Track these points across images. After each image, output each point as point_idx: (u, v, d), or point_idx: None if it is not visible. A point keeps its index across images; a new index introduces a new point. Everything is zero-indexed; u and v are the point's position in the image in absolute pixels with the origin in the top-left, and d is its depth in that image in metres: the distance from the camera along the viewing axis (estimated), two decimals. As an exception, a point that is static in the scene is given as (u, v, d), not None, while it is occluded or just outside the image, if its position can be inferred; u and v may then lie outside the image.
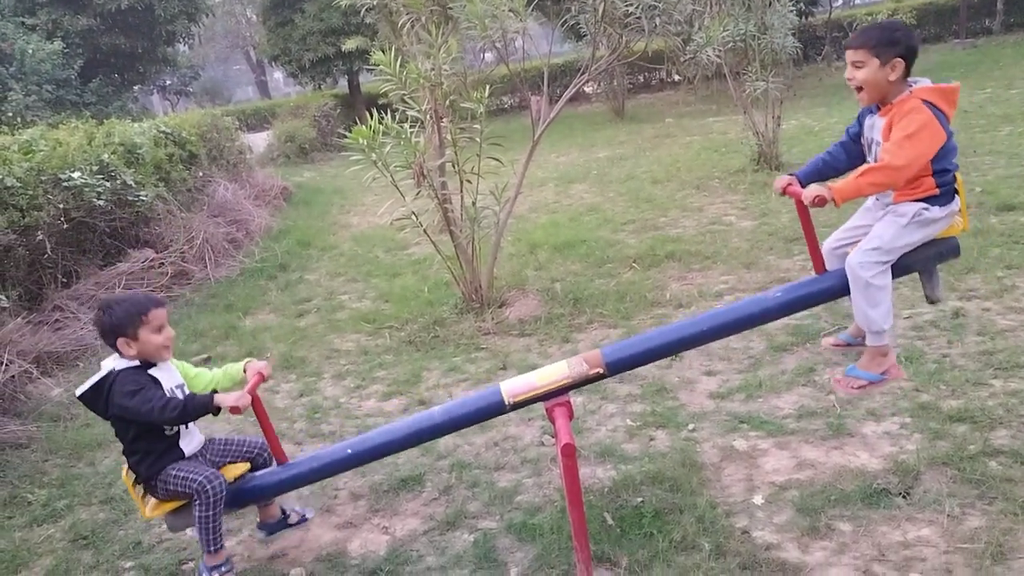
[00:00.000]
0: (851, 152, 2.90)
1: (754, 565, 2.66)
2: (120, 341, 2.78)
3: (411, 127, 5.08)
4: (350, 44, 15.30)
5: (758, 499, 3.05)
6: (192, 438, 2.95)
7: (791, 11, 9.02)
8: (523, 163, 5.87)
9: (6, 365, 4.91)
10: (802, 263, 5.78)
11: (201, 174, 9.89)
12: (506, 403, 2.83)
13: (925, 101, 2.57)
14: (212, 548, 2.81)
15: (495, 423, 3.99)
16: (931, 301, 2.90)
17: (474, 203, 5.41)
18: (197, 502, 2.77)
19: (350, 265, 7.79)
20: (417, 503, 3.37)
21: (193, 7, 22.35)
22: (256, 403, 2.88)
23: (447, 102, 5.34)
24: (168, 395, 2.78)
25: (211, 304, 6.91)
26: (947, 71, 16.21)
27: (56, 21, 19.06)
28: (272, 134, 19.18)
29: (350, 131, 4.91)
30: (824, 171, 2.92)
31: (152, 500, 2.91)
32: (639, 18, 5.18)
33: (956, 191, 2.72)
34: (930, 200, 2.66)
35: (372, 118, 4.83)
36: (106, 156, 7.10)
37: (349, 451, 2.94)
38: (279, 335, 5.84)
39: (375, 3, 5.64)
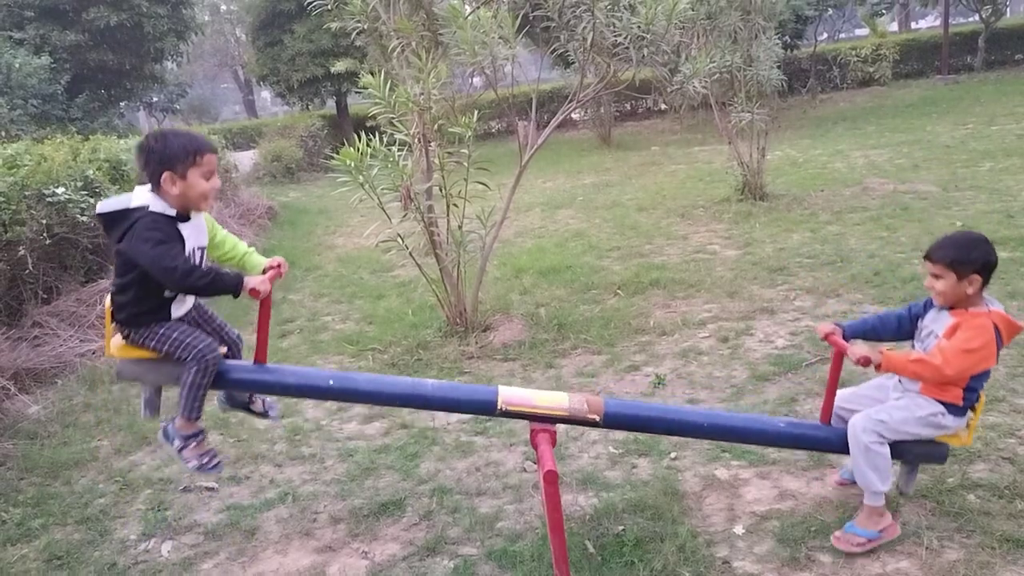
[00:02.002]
0: (903, 328, 3.00)
1: (734, 596, 2.65)
2: (166, 176, 2.61)
3: (399, 150, 5.10)
4: (339, 66, 15.31)
5: (739, 529, 3.05)
6: (184, 305, 2.87)
7: (776, 44, 9.16)
8: (510, 188, 5.90)
9: (-17, 381, 4.85)
10: (784, 293, 5.83)
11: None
12: (498, 407, 2.83)
13: (996, 325, 2.70)
14: (193, 415, 2.78)
15: (477, 448, 3.98)
16: (900, 492, 3.01)
17: (460, 227, 5.42)
18: (195, 369, 2.71)
19: (334, 286, 7.77)
20: (397, 528, 3.34)
21: (183, 25, 22.37)
22: (268, 295, 2.82)
23: (435, 126, 5.37)
24: (187, 256, 2.68)
25: (193, 323, 6.85)
26: (929, 106, 16.50)
27: (44, 36, 19.02)
28: (258, 153, 19.19)
29: (337, 152, 4.92)
30: (870, 334, 3.02)
31: (120, 340, 2.83)
32: (627, 48, 5.25)
33: (974, 408, 2.84)
34: (950, 407, 2.78)
35: (360, 140, 4.85)
36: (91, 172, 7.07)
37: (331, 382, 2.91)
38: (261, 355, 5.79)
39: (366, 27, 5.67)
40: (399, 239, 5.28)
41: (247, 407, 3.17)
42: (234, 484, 3.89)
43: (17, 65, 16.51)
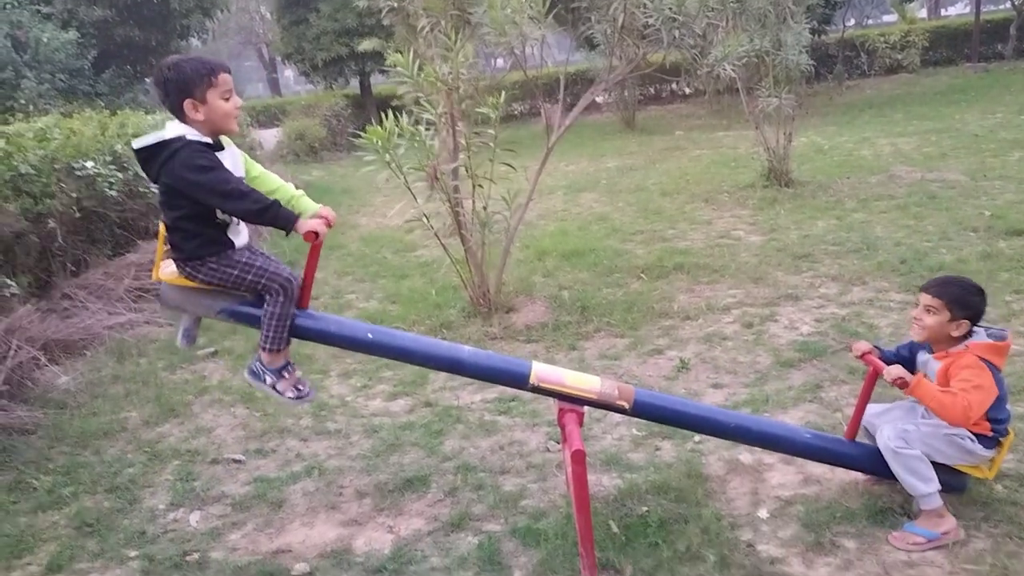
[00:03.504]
0: (910, 362, 3.02)
1: (758, 578, 2.67)
2: (187, 103, 2.59)
3: (426, 130, 5.10)
4: (365, 45, 15.35)
5: (763, 513, 3.06)
6: (242, 233, 2.81)
7: (805, 29, 9.05)
8: (536, 170, 5.89)
9: (14, 351, 4.92)
10: (810, 280, 5.79)
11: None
12: (530, 382, 2.83)
13: (981, 358, 2.73)
14: (282, 345, 2.76)
15: (501, 427, 4.00)
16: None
17: (485, 208, 5.42)
18: (279, 298, 2.70)
19: (358, 265, 7.81)
20: (422, 503, 3.37)
21: (209, 2, 22.36)
22: (316, 244, 2.79)
23: (463, 106, 5.36)
24: None
25: (218, 298, 6.91)
26: (958, 94, 16.27)
27: (71, 11, 19.09)
28: (282, 131, 19.22)
29: (361, 131, 4.93)
30: (899, 360, 3.02)
31: (171, 268, 2.79)
32: (658, 30, 5.20)
33: (1001, 443, 2.83)
34: (979, 437, 2.78)
35: (387, 119, 4.85)
36: (119, 147, 7.13)
37: (370, 336, 2.89)
38: (286, 332, 5.85)
39: (396, 4, 5.66)
40: (424, 219, 5.30)
41: (299, 387, 2.94)
42: (261, 457, 3.94)
43: (45, 39, 16.60)
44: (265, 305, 2.77)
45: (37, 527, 3.47)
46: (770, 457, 3.44)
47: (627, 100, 19.22)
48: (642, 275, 6.32)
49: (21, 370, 4.92)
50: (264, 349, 2.80)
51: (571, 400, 2.83)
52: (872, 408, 3.09)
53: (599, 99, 19.18)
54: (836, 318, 4.97)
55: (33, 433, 4.38)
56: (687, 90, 22.96)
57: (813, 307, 5.25)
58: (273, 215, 2.65)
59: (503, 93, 5.21)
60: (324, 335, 2.92)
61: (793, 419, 3.76)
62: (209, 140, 2.66)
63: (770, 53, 8.70)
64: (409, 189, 5.17)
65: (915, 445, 2.78)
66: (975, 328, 2.83)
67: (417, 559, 2.98)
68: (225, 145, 2.75)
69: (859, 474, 3.20)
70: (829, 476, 3.24)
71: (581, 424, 2.80)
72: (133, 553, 3.21)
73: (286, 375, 2.83)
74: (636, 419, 3.88)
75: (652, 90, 23.74)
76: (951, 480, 2.84)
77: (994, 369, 2.74)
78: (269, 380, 2.82)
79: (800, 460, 3.38)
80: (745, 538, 2.90)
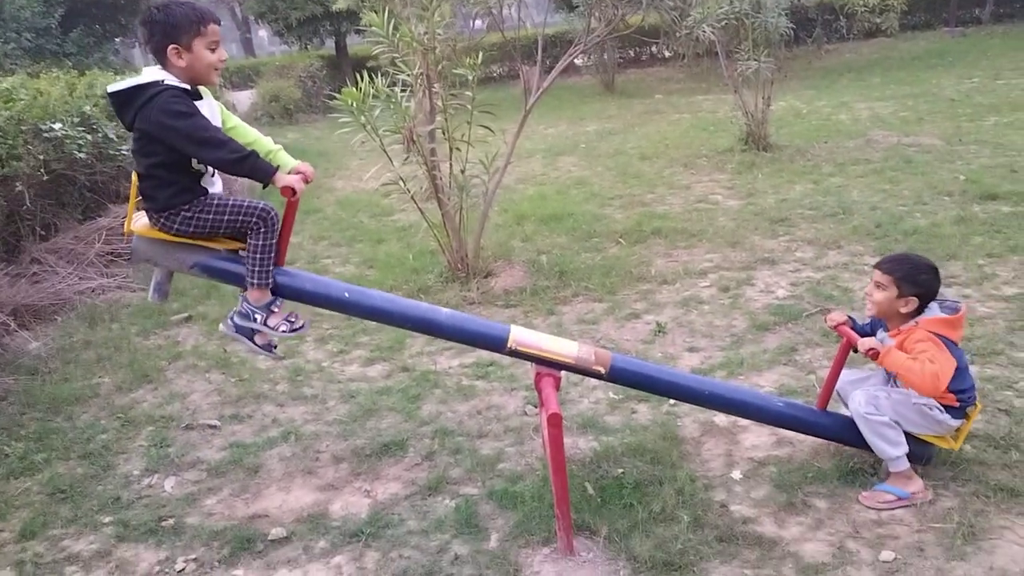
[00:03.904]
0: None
1: (731, 538, 2.70)
2: (171, 49, 2.53)
3: (401, 91, 5.03)
4: (339, 4, 14.97)
5: (736, 474, 3.09)
6: (216, 183, 2.76)
7: (785, -9, 8.97)
8: (514, 133, 5.84)
9: (-17, 316, 4.85)
10: (786, 244, 5.82)
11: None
12: (508, 345, 2.83)
13: (935, 333, 2.73)
14: (268, 280, 2.72)
15: (478, 391, 4.01)
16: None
17: (463, 171, 5.37)
18: (263, 229, 2.66)
19: (334, 229, 7.73)
20: (399, 468, 3.38)
21: (179, -41, 21.85)
22: (293, 201, 2.76)
23: (439, 67, 5.28)
24: None
25: (192, 263, 6.83)
26: (936, 59, 16.29)
27: (37, -32, 18.60)
28: (256, 93, 18.88)
29: (337, 93, 4.85)
30: (870, 331, 3.03)
31: (144, 220, 2.73)
32: (636, -10, 5.14)
33: (968, 414, 2.84)
34: (946, 408, 2.80)
35: (362, 81, 4.77)
36: (88, 108, 6.97)
37: (346, 295, 2.86)
38: (261, 296, 5.80)
39: (369, -37, 5.55)
40: (401, 182, 5.24)
41: (290, 319, 2.88)
42: (236, 423, 3.92)
43: (10, -3, 16.18)
44: (248, 240, 2.71)
45: (9, 494, 3.44)
46: (745, 419, 3.47)
47: (607, 63, 19.05)
48: (620, 240, 6.31)
49: (-9, 336, 4.85)
50: (252, 285, 2.74)
51: (548, 364, 2.83)
52: (847, 375, 3.12)
53: (578, 62, 18.98)
54: (811, 282, 5.00)
55: (3, 399, 4.32)
56: (667, 53, 22.74)
57: (789, 271, 5.28)
58: (251, 166, 2.59)
59: (481, 54, 5.14)
60: (300, 293, 2.87)
61: (768, 381, 3.80)
62: (187, 87, 2.60)
63: (750, 15, 8.63)
64: (385, 152, 5.11)
65: (885, 412, 2.82)
66: (930, 305, 2.84)
67: (394, 523, 2.99)
68: (203, 95, 2.69)
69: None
70: (802, 438, 3.27)
71: (558, 388, 2.80)
72: (107, 519, 3.19)
73: (275, 309, 2.77)
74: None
75: (632, 53, 23.54)
76: (917, 450, 2.87)
77: (948, 342, 2.74)
78: (260, 317, 2.76)
79: (774, 422, 3.42)
80: (719, 499, 2.94)
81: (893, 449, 2.81)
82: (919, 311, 2.83)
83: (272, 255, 2.73)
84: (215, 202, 2.67)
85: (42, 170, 6.09)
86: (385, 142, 5.06)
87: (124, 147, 7.17)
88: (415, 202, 5.36)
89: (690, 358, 4.17)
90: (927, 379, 2.64)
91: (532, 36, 10.25)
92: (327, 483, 3.31)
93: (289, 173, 2.74)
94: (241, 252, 2.82)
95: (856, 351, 2.88)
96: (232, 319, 2.87)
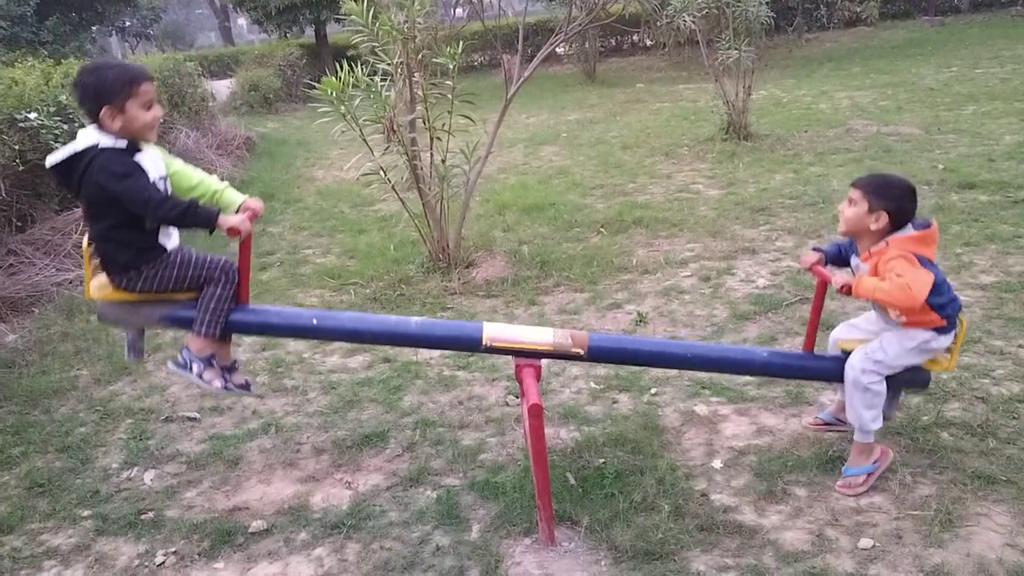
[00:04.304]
0: (846, 263, 2.98)
1: (712, 527, 2.72)
2: (105, 111, 2.52)
3: (381, 81, 4.99)
4: (319, -8, 14.92)
5: (717, 463, 3.11)
6: (172, 237, 2.76)
7: (766, -20, 8.98)
8: (495, 122, 5.82)
9: (-42, 309, 4.78)
10: (767, 233, 5.84)
11: (162, 120, 9.62)
12: (483, 343, 2.83)
13: (909, 251, 2.65)
14: (212, 331, 2.69)
15: (460, 382, 4.00)
16: (885, 418, 2.94)
17: (444, 161, 5.35)
18: (221, 280, 2.67)
19: (315, 219, 7.69)
20: (380, 459, 3.37)
21: (156, -54, 21.59)
22: (247, 236, 2.73)
23: (419, 56, 5.25)
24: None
25: (171, 254, 6.77)
26: (915, 48, 16.38)
27: (11, -47, 18.29)
28: (235, 82, 18.71)
29: (317, 82, 4.81)
30: (843, 257, 2.98)
31: (102, 280, 2.75)
32: (617, -21, 5.13)
33: (955, 334, 2.80)
34: (938, 330, 2.76)
35: (342, 70, 4.74)
36: (64, 98, 6.87)
37: (315, 321, 2.88)
38: (241, 288, 5.76)
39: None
40: (381, 172, 5.21)
41: (225, 376, 2.93)
42: (216, 415, 3.90)
43: (-18, -16, 15.91)
44: (205, 288, 2.71)
45: (-14, 488, 3.41)
46: (725, 408, 3.49)
47: (588, 52, 19.01)
48: (602, 229, 6.32)
49: (-34, 329, 4.79)
50: (197, 333, 2.72)
51: (526, 355, 2.82)
52: (838, 331, 3.08)
53: (560, 50, 18.94)
54: (792, 271, 5.03)
55: (-20, 393, 4.27)
56: (648, 42, 22.76)
57: (769, 260, 5.31)
58: (193, 217, 2.58)
59: (461, 43, 5.11)
60: (267, 327, 2.93)
61: (748, 371, 3.81)
62: (123, 144, 2.58)
63: (730, 4, 8.64)
64: (365, 142, 5.08)
65: (891, 370, 2.77)
66: (904, 227, 2.72)
67: (375, 514, 2.98)
68: (142, 146, 2.66)
69: (810, 424, 3.26)
70: (782, 427, 3.30)
71: (539, 378, 2.80)
72: (86, 513, 3.17)
73: (213, 364, 2.75)
74: (594, 372, 3.92)
75: (613, 42, 23.51)
76: (916, 377, 2.85)
77: (923, 260, 2.64)
78: (196, 368, 2.74)
79: (754, 411, 3.45)
80: (699, 488, 2.95)
81: (872, 422, 2.80)
82: (890, 230, 2.70)
83: (226, 306, 2.72)
84: (176, 259, 2.68)
85: (17, 160, 6.00)
86: (365, 132, 5.03)
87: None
88: (396, 192, 5.33)
89: (671, 347, 4.18)
90: (898, 292, 2.56)
91: (513, 24, 10.22)
92: (308, 475, 3.30)
93: (237, 211, 2.73)
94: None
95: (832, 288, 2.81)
96: (173, 360, 2.87)
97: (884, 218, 2.68)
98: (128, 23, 29.87)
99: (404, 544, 2.80)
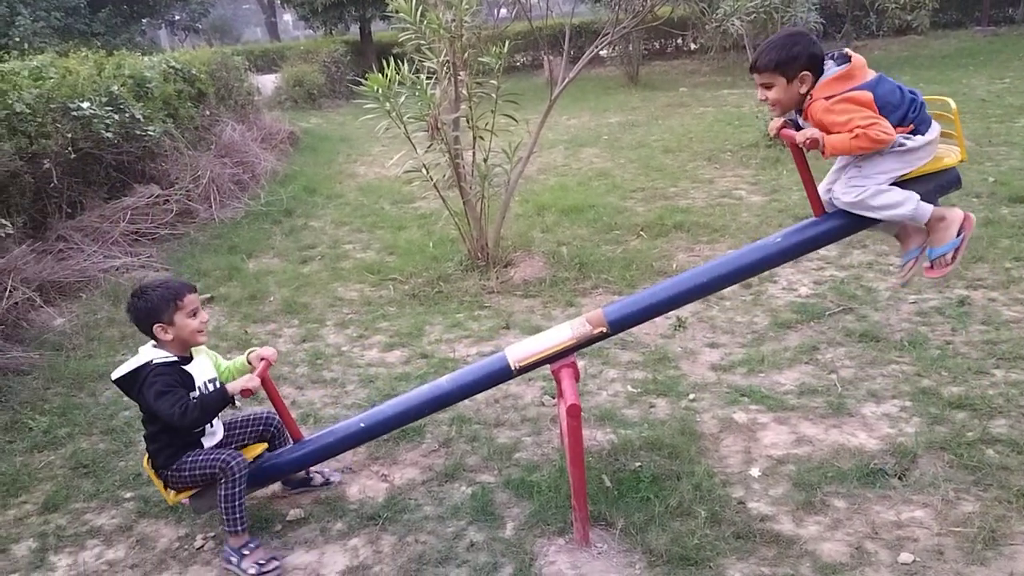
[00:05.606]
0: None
1: (748, 535, 2.69)
2: (156, 327, 2.78)
3: (427, 79, 5.02)
4: (366, -10, 15.04)
5: (755, 471, 3.08)
6: (215, 435, 2.96)
7: (815, -14, 8.89)
8: (538, 123, 5.82)
9: (10, 291, 4.90)
10: (810, 242, 5.76)
11: (209, 113, 9.80)
12: (512, 369, 2.84)
13: (827, 97, 2.55)
14: (238, 528, 2.79)
15: (496, 380, 4.00)
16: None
17: (486, 160, 5.37)
18: (222, 480, 2.76)
19: (355, 215, 7.76)
20: (416, 454, 3.39)
21: (207, -58, 21.94)
22: (267, 384, 2.90)
23: (465, 55, 5.27)
24: (199, 392, 2.81)
25: (215, 245, 6.89)
26: (967, 58, 16.06)
27: (67, -53, 18.71)
28: (280, 77, 18.95)
29: (360, 79, 4.85)
30: (798, 126, 2.82)
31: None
32: (666, -18, 5.10)
33: (931, 118, 2.65)
34: (903, 136, 2.60)
35: (388, 67, 4.78)
36: (116, 88, 7.03)
37: (362, 425, 2.96)
38: (282, 280, 5.84)
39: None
40: (424, 169, 5.25)
41: (308, 484, 3.21)
42: (256, 404, 3.95)
43: (40, -24, 16.30)
44: (217, 491, 2.81)
45: (33, 467, 3.49)
46: (764, 416, 3.46)
47: (631, 54, 18.93)
48: (642, 233, 6.29)
49: (16, 311, 4.92)
50: (226, 532, 2.83)
51: (556, 358, 2.82)
52: (825, 182, 2.95)
53: (603, 53, 18.90)
54: (835, 280, 4.96)
55: (28, 374, 4.38)
56: (693, 46, 22.59)
57: (812, 269, 5.24)
58: (213, 409, 2.78)
59: (506, 43, 5.13)
60: (327, 449, 3.01)
61: (788, 380, 3.77)
62: (175, 358, 2.82)
63: (779, 9, 8.57)
64: (409, 139, 5.12)
65: (868, 183, 2.64)
66: (825, 65, 2.60)
67: (411, 508, 3.01)
68: (194, 354, 2.90)
69: (851, 436, 3.22)
70: (822, 437, 3.26)
71: (577, 379, 2.80)
72: (128, 494, 3.23)
73: (245, 552, 2.81)
74: (631, 376, 3.91)
75: (657, 45, 23.39)
76: (942, 182, 2.70)
77: (853, 90, 2.53)
78: (235, 560, 2.82)
79: (794, 420, 3.41)
80: (736, 495, 2.93)
81: (905, 205, 2.62)
82: (818, 78, 2.59)
83: (237, 503, 2.79)
84: (188, 459, 2.82)
85: (70, 148, 6.15)
86: (409, 129, 5.07)
87: (150, 128, 7.22)
88: (437, 190, 5.36)
89: (710, 354, 4.15)
90: (869, 139, 2.47)
91: (558, 26, 10.21)
92: (345, 466, 3.33)
93: (248, 362, 2.97)
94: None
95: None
96: (223, 561, 2.92)
97: (808, 77, 2.59)
98: (177, 16, 30.37)
99: (438, 538, 2.81)
